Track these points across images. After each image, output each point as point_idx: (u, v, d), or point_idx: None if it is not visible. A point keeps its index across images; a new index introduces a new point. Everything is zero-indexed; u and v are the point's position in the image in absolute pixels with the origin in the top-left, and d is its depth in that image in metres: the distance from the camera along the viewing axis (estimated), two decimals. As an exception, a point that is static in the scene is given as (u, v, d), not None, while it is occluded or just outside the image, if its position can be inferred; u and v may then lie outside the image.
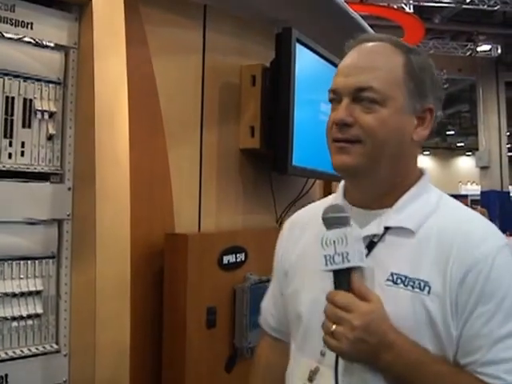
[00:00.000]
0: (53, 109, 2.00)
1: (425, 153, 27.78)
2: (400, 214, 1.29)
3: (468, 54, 15.13)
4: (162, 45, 2.47)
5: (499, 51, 15.25)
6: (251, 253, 2.70)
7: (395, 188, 1.32)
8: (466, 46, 15.01)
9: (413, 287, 1.20)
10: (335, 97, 1.31)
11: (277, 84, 2.81)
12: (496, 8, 10.51)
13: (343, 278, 1.20)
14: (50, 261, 2.04)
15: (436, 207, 1.30)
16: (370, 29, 3.43)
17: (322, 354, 1.27)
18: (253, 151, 2.97)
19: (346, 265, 1.19)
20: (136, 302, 2.29)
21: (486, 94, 16.91)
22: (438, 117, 1.38)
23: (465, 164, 28.06)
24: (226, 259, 2.52)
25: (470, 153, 26.88)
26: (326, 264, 1.20)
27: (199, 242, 2.41)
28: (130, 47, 2.19)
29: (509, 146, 18.51)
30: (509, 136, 18.11)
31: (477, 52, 15.02)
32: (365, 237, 1.27)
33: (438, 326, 1.17)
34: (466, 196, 20.14)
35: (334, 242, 1.20)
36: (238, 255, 2.60)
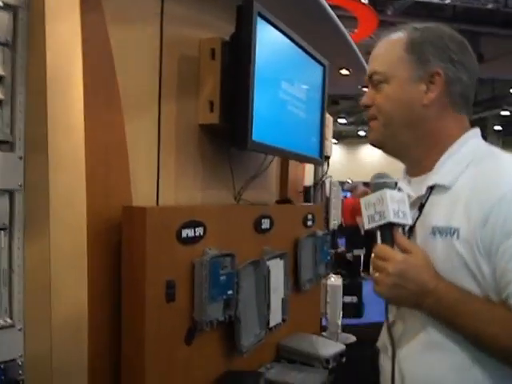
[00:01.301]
0: (1, 72, 1.82)
1: (373, 143, 28.21)
2: (438, 173, 1.44)
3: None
4: (118, 12, 2.31)
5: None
6: (210, 228, 2.58)
7: (430, 152, 1.47)
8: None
9: (446, 235, 1.34)
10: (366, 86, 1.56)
11: (236, 58, 2.69)
12: (447, 2, 10.61)
13: (386, 234, 1.38)
14: (2, 233, 1.89)
15: (471, 159, 1.41)
16: (329, 8, 3.34)
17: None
18: (212, 127, 2.85)
19: (383, 221, 1.36)
20: (93, 276, 2.15)
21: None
22: (462, 74, 1.47)
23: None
24: (184, 233, 2.40)
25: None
26: (368, 223, 1.40)
27: (158, 215, 2.28)
28: (83, 11, 2.04)
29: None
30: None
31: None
32: (416, 200, 1.47)
33: (472, 268, 1.29)
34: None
35: (374, 203, 1.39)
36: (196, 229, 2.48)
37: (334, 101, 17.61)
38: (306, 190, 4.48)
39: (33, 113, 1.96)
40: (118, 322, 2.24)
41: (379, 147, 1.59)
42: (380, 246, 1.38)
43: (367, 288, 6.22)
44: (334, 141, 26.29)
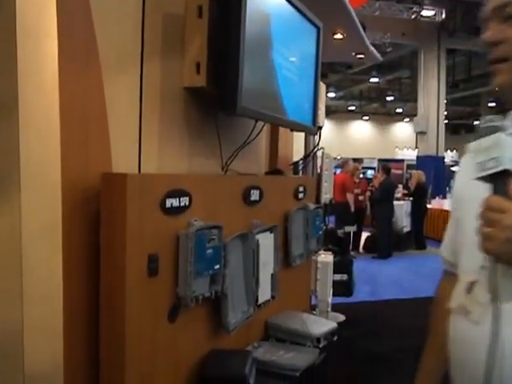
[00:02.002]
0: (-35, 21, 1.69)
1: (364, 118, 28.10)
2: None
3: (413, 17, 15.10)
4: (96, -41, 2.17)
5: (443, 16, 15.29)
6: (196, 198, 2.49)
7: None
8: (412, 8, 14.99)
9: None
10: (485, 22, 1.34)
11: (225, 16, 2.57)
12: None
13: (499, 184, 1.21)
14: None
15: None
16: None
17: (482, 268, 1.29)
18: (198, 90, 2.73)
19: (498, 168, 1.20)
20: (70, 249, 2.06)
21: (428, 60, 17.05)
22: None
23: (403, 130, 28.59)
24: (169, 203, 2.30)
25: (407, 119, 27.36)
26: (479, 171, 1.23)
27: (140, 183, 2.17)
28: (58, -44, 1.90)
29: (446, 113, 18.86)
30: (446, 103, 18.41)
31: (421, 16, 15.03)
32: None
33: None
34: (402, 161, 20.43)
35: (487, 148, 1.22)
36: (182, 199, 2.38)
37: (322, 74, 17.38)
38: (295, 164, 4.39)
39: (1, 68, 1.84)
40: (97, 298, 2.16)
41: (504, 97, 1.38)
42: (493, 198, 1.21)
43: (358, 266, 6.21)
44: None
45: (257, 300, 2.90)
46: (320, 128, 4.39)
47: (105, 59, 2.27)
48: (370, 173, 16.67)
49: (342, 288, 5.52)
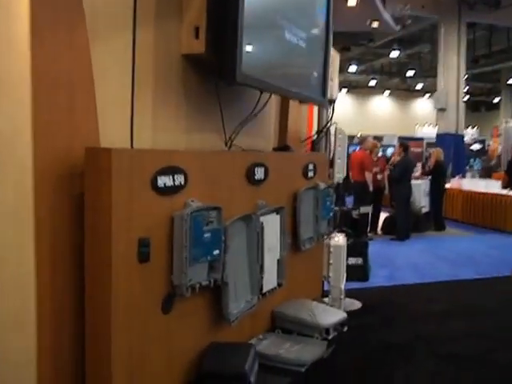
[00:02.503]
0: None
1: (385, 93, 27.64)
2: None
3: (433, -12, 14.64)
4: None
5: (465, -12, 14.81)
6: (193, 176, 2.30)
7: None
8: (432, -21, 14.52)
9: None
10: None
11: (226, -26, 2.35)
12: None
13: None
14: None
15: None
16: None
17: None
18: (197, 58, 2.53)
19: None
20: (47, 232, 1.89)
21: (448, 34, 16.60)
22: None
23: (423, 106, 28.04)
24: (161, 181, 2.12)
25: (428, 95, 26.82)
26: None
27: (127, 159, 1.99)
28: None
29: (466, 89, 18.43)
30: (466, 79, 17.97)
31: (441, -13, 14.56)
32: None
33: None
34: (421, 139, 20.09)
35: None
36: (176, 177, 2.20)
37: (344, 47, 17.14)
38: (313, 140, 4.17)
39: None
40: (81, 288, 1.99)
41: None
42: None
43: (374, 248, 6.00)
44: (344, 90, 25.85)
45: (261, 288, 2.73)
46: (333, 101, 4.16)
47: (92, 21, 2.07)
48: (390, 151, 16.36)
49: (357, 272, 5.29)
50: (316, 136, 4.20)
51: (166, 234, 2.17)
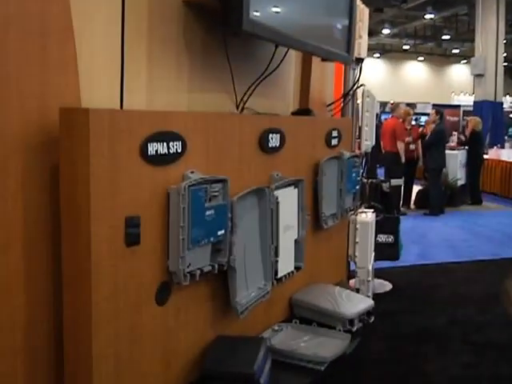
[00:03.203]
0: None
1: (419, 58, 26.83)
2: None
3: None
4: None
5: None
6: (193, 143, 2.01)
7: None
8: None
9: None
10: None
11: None
12: None
13: None
14: None
15: None
16: None
17: None
18: (201, 4, 2.22)
19: None
20: (17, 211, 1.63)
21: (486, -6, 15.94)
22: None
23: (459, 73, 27.15)
24: (152, 149, 1.83)
25: (465, 61, 25.97)
26: None
27: (110, 121, 1.70)
28: None
29: (505, 54, 17.69)
30: (505, 44, 17.24)
31: None
32: None
33: None
34: (458, 106, 19.52)
35: None
36: (172, 144, 1.91)
37: (376, 8, 16.62)
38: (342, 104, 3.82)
39: None
40: (59, 276, 1.73)
41: None
42: None
43: (406, 224, 5.68)
44: (377, 55, 25.13)
45: (276, 273, 2.44)
46: (361, 61, 3.80)
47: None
48: (423, 119, 15.84)
49: (387, 251, 4.99)
50: (342, 100, 3.85)
51: (160, 211, 1.89)
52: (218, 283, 2.20)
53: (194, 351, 2.11)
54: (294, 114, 3.03)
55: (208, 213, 1.98)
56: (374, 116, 3.96)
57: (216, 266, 2.06)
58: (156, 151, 1.85)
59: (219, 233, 2.04)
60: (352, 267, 4.07)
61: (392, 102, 10.16)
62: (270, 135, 2.46)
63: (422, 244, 6.98)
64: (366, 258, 3.83)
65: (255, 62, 2.58)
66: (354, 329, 2.59)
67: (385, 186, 5.00)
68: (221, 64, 2.38)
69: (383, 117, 10.64)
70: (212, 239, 2.02)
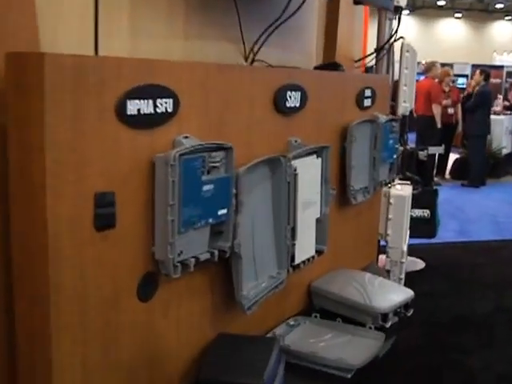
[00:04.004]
0: None
1: (456, 15, 25.77)
2: None
3: None
4: None
5: None
6: (188, 101, 1.66)
7: None
8: None
9: None
10: None
11: None
12: None
13: None
14: None
15: None
16: None
17: None
18: None
19: None
20: None
21: None
22: None
23: (502, 30, 26.06)
24: (133, 107, 1.49)
25: (509, 17, 24.93)
26: None
27: (75, 71, 1.35)
28: None
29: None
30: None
31: None
32: None
33: None
34: (501, 67, 18.78)
35: None
36: (160, 102, 1.56)
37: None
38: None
39: None
40: (8, 272, 1.42)
41: None
42: None
43: (443, 196, 5.28)
44: (406, 11, 24.14)
45: (293, 259, 2.10)
46: (400, 10, 3.39)
47: None
48: (461, 81, 15.16)
49: (423, 227, 4.63)
50: (375, 54, 3.44)
51: (143, 186, 1.55)
52: (219, 271, 1.87)
53: (189, 354, 1.80)
54: (317, 68, 2.64)
55: (206, 188, 1.64)
56: (414, 74, 3.54)
57: (216, 253, 1.72)
58: (138, 110, 1.50)
59: (220, 212, 1.70)
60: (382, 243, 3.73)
61: (424, 61, 9.55)
62: (289, 93, 2.08)
63: (459, 219, 6.60)
64: (399, 238, 3.47)
65: (269, 4, 2.19)
66: (388, 325, 2.24)
67: (421, 154, 4.60)
68: (225, 5, 2.01)
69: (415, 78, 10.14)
70: (211, 220, 1.68)
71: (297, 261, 2.11)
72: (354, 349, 2.04)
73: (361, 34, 3.50)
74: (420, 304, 3.86)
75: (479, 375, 3.09)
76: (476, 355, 3.36)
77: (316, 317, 2.25)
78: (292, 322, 2.21)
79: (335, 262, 2.58)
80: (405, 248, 3.49)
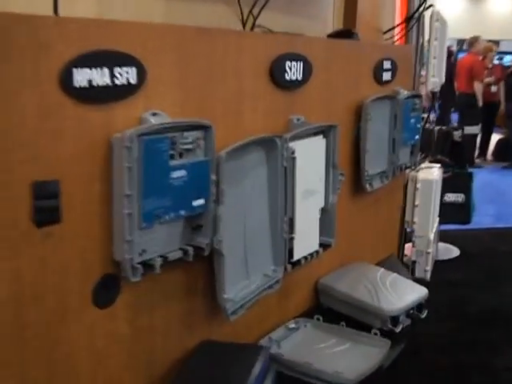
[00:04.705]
0: None
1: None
2: None
3: None
4: None
5: None
6: (158, 71, 1.40)
7: None
8: None
9: None
10: None
11: None
12: None
13: None
14: None
15: None
16: None
17: None
18: None
19: None
20: None
21: None
22: None
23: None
24: (82, 77, 1.22)
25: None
26: None
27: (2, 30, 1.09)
28: None
29: None
30: None
31: None
32: None
33: None
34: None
35: None
36: (119, 72, 1.29)
37: None
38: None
39: None
40: None
41: None
42: None
43: (481, 178, 4.89)
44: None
45: (291, 254, 1.82)
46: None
47: None
48: (507, 59, 14.38)
49: (457, 213, 4.27)
50: (405, 25, 3.09)
51: (98, 173, 1.29)
52: (205, 269, 1.61)
53: (163, 366, 1.54)
54: (329, 36, 2.32)
55: (176, 174, 1.37)
56: (444, 46, 3.17)
57: (191, 251, 1.46)
58: (89, 81, 1.24)
59: (196, 203, 1.43)
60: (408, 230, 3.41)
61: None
62: (288, 63, 1.78)
63: (499, 204, 6.16)
64: (426, 225, 3.15)
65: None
66: (399, 329, 1.95)
67: (456, 134, 4.22)
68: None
69: (459, 55, 9.55)
70: (183, 213, 1.41)
71: (296, 256, 1.83)
72: (354, 359, 1.75)
73: (392, 4, 3.14)
74: (450, 295, 3.56)
75: (503, 375, 2.78)
76: (503, 353, 3.04)
77: (319, 319, 1.97)
78: (292, 325, 1.94)
79: (349, 255, 2.29)
80: (432, 237, 3.16)
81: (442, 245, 4.32)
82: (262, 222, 1.74)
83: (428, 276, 3.18)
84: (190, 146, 1.40)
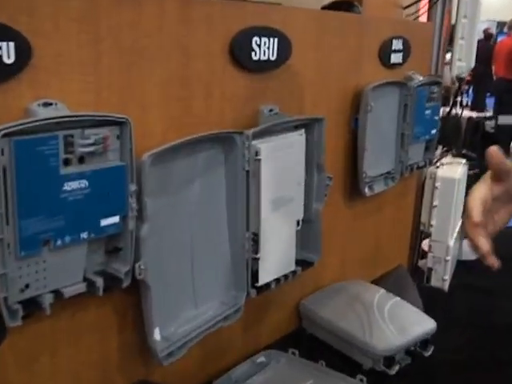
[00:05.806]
0: None
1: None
2: None
3: None
4: None
5: None
6: (52, 47, 1.02)
7: None
8: None
9: None
10: None
11: None
12: None
13: None
14: None
15: None
16: None
17: None
18: None
19: None
20: None
21: None
22: None
23: None
24: None
25: None
26: None
27: None
28: None
29: None
30: None
31: None
32: None
33: None
34: None
35: None
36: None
37: None
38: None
39: None
40: None
41: None
42: None
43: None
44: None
45: (256, 278, 1.42)
46: None
47: None
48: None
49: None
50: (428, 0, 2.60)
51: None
52: (136, 296, 1.23)
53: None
54: (325, 8, 1.88)
55: (71, 186, 0.99)
56: (475, 26, 2.68)
57: (100, 283, 1.08)
58: None
59: (105, 222, 1.05)
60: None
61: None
62: (256, 39, 1.37)
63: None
64: (445, 229, 2.67)
65: None
66: (394, 371, 1.54)
67: (489, 124, 3.69)
68: None
69: (499, 38, 8.85)
70: (85, 236, 1.03)
71: (262, 280, 1.43)
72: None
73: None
74: (474, 303, 3.10)
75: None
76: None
77: (294, 354, 1.57)
78: (260, 359, 1.54)
79: (341, 272, 1.88)
80: (451, 243, 2.70)
81: (467, 243, 3.84)
82: (218, 240, 1.35)
83: (446, 286, 2.73)
84: (92, 149, 1.01)
